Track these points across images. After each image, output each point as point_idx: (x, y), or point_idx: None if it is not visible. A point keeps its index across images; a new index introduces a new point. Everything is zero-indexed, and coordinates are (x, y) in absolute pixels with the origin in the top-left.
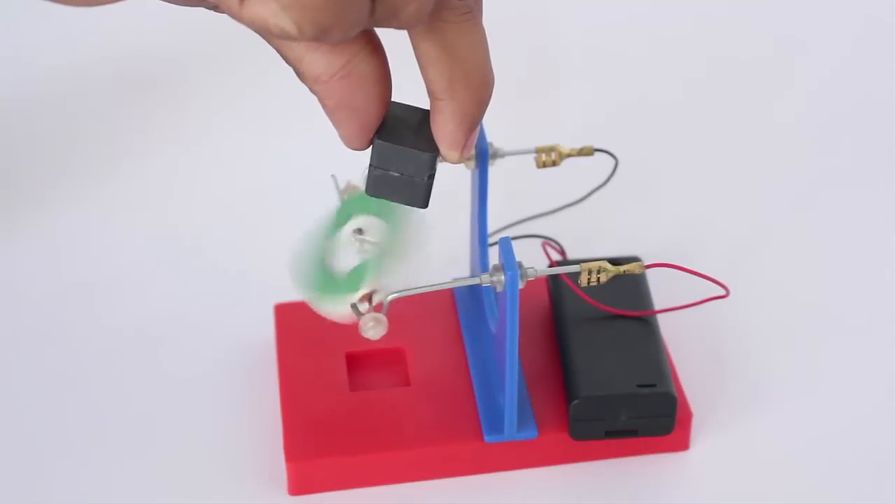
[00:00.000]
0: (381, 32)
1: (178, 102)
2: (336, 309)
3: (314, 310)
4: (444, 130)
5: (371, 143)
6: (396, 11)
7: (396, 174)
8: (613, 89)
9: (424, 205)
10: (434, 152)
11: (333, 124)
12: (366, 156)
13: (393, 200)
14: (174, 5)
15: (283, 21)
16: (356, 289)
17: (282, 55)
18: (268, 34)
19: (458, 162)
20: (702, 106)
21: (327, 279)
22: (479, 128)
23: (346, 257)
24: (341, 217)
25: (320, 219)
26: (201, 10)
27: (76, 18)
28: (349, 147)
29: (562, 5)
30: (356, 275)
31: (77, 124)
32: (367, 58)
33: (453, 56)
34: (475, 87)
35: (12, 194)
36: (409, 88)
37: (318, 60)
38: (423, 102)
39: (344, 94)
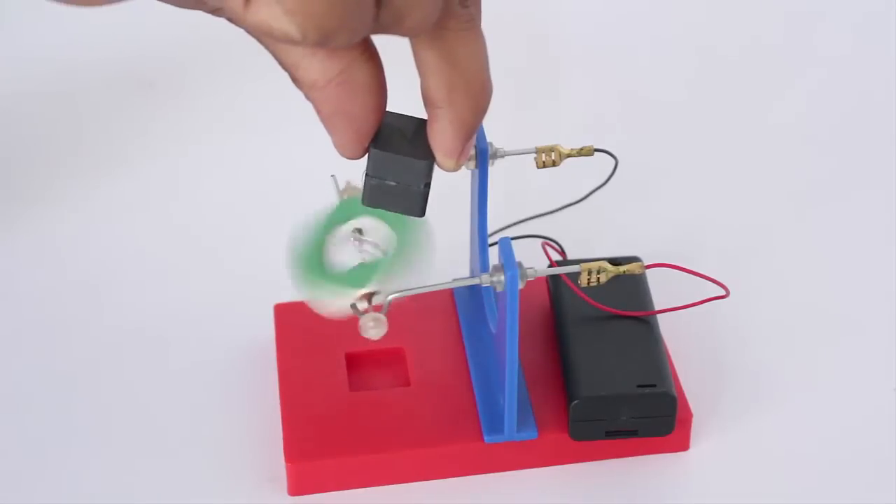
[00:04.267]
0: (377, 41)
1: (178, 103)
2: (333, 302)
3: (307, 300)
4: (442, 138)
5: (366, 151)
6: (401, 18)
7: (393, 183)
8: (614, 89)
9: (421, 213)
10: (430, 160)
11: (328, 132)
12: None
13: (389, 210)
14: (173, 7)
15: (287, 25)
16: (360, 285)
17: (278, 60)
18: (271, 38)
19: (454, 170)
20: (702, 106)
21: (324, 270)
22: (475, 136)
23: (344, 253)
24: (341, 214)
25: (319, 211)
26: (200, 12)
27: (77, 19)
28: (343, 155)
29: (562, 5)
30: (361, 273)
31: (78, 124)
32: (364, 65)
33: (454, 65)
34: (474, 95)
35: (14, 194)
36: (404, 98)
37: (315, 66)
38: (418, 112)
39: (339, 101)
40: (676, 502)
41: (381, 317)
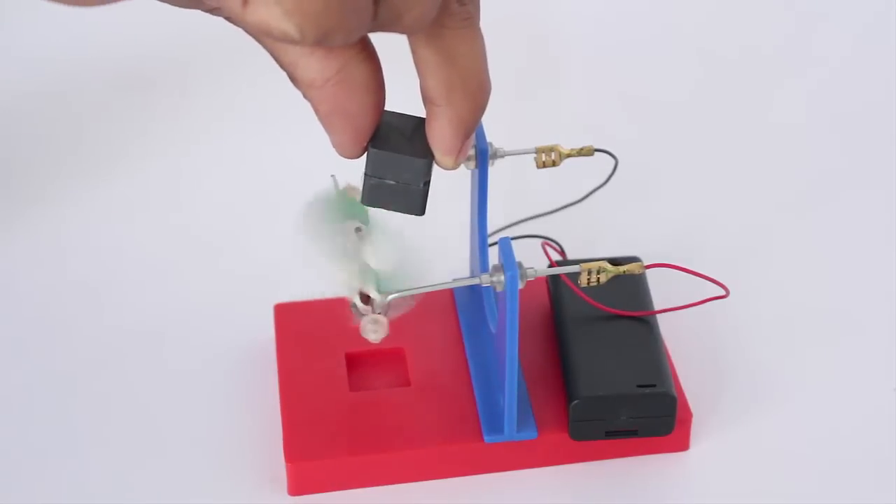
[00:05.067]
0: (375, 39)
1: (178, 102)
2: (339, 276)
3: (311, 258)
4: (441, 136)
5: (364, 151)
6: (399, 16)
7: (392, 182)
8: (613, 89)
9: (421, 212)
10: (429, 158)
11: (326, 131)
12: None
13: (389, 209)
14: (172, 6)
15: (285, 25)
16: (360, 277)
17: (276, 59)
18: (270, 38)
19: (453, 168)
20: (702, 106)
21: (339, 242)
22: (474, 134)
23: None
24: (349, 210)
25: (333, 192)
26: (199, 11)
27: (77, 19)
28: (342, 155)
29: (562, 5)
30: (372, 274)
31: (78, 124)
32: (361, 64)
33: (452, 62)
34: (473, 93)
35: (14, 194)
36: (402, 96)
37: (313, 65)
38: (417, 110)
39: (337, 100)
40: (676, 502)
41: (381, 318)
